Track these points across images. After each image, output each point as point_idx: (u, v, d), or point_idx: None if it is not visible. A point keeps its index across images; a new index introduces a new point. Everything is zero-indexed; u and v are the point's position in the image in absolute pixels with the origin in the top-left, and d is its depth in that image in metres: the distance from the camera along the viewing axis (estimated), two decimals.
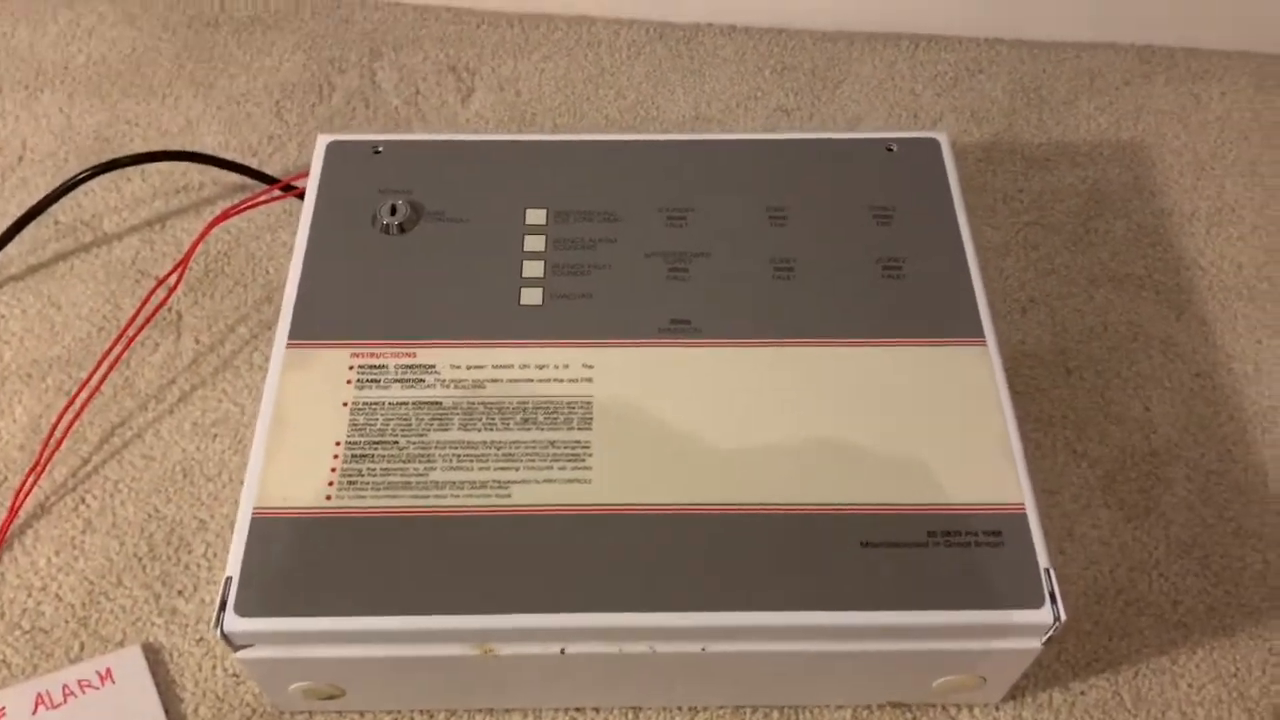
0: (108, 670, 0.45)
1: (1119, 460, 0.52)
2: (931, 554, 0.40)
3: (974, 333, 0.46)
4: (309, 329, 0.45)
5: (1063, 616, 0.39)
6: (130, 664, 0.45)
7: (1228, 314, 0.57)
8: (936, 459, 0.42)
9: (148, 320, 0.54)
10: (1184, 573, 0.49)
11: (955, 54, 0.69)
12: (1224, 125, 0.66)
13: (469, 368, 0.44)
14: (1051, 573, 0.40)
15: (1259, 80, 0.68)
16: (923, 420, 0.43)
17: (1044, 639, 0.40)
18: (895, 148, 0.52)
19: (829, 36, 0.70)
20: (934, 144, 0.52)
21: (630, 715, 0.45)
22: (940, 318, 0.46)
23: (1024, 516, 0.41)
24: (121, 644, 0.46)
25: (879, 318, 0.46)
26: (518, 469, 0.42)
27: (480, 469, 0.42)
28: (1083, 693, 0.46)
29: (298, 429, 0.42)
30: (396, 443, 0.42)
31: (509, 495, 0.41)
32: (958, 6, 0.70)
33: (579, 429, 0.43)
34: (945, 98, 0.67)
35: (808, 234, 0.49)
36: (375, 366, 0.44)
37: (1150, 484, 0.52)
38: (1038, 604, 0.39)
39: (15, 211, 0.59)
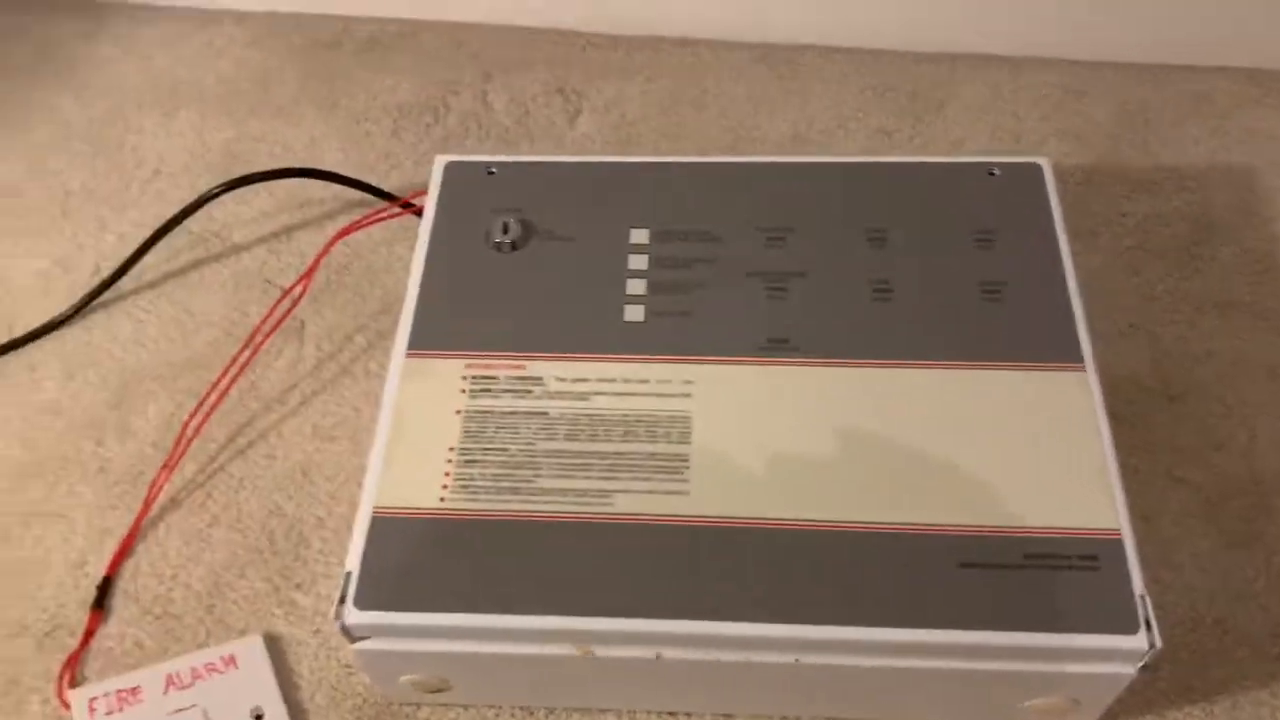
0: (231, 656, 0.48)
1: (1220, 488, 0.52)
2: (1028, 576, 0.41)
3: (1073, 358, 0.46)
4: (426, 340, 0.48)
5: (1158, 643, 0.39)
6: (252, 651, 0.48)
7: None
8: (1034, 483, 0.43)
9: (274, 328, 0.57)
10: None
11: (1059, 76, 0.69)
12: None
13: (574, 380, 0.46)
14: (1147, 599, 0.40)
15: None
16: (1021, 444, 0.44)
17: (1139, 665, 0.40)
18: (997, 171, 0.52)
19: (931, 58, 0.71)
20: (1036, 169, 0.52)
21: None
22: (1039, 343, 0.46)
23: (1120, 542, 0.41)
24: (244, 632, 0.49)
25: (978, 341, 0.47)
26: (619, 479, 0.44)
27: (584, 478, 0.44)
28: None
29: (415, 434, 0.45)
30: (506, 450, 0.44)
31: (611, 503, 0.43)
32: (1062, 28, 0.69)
33: (678, 442, 0.44)
34: (1049, 120, 0.67)
35: (907, 256, 0.49)
36: (487, 377, 0.46)
37: (1253, 513, 0.51)
38: (1133, 630, 0.39)
39: (152, 223, 0.63)
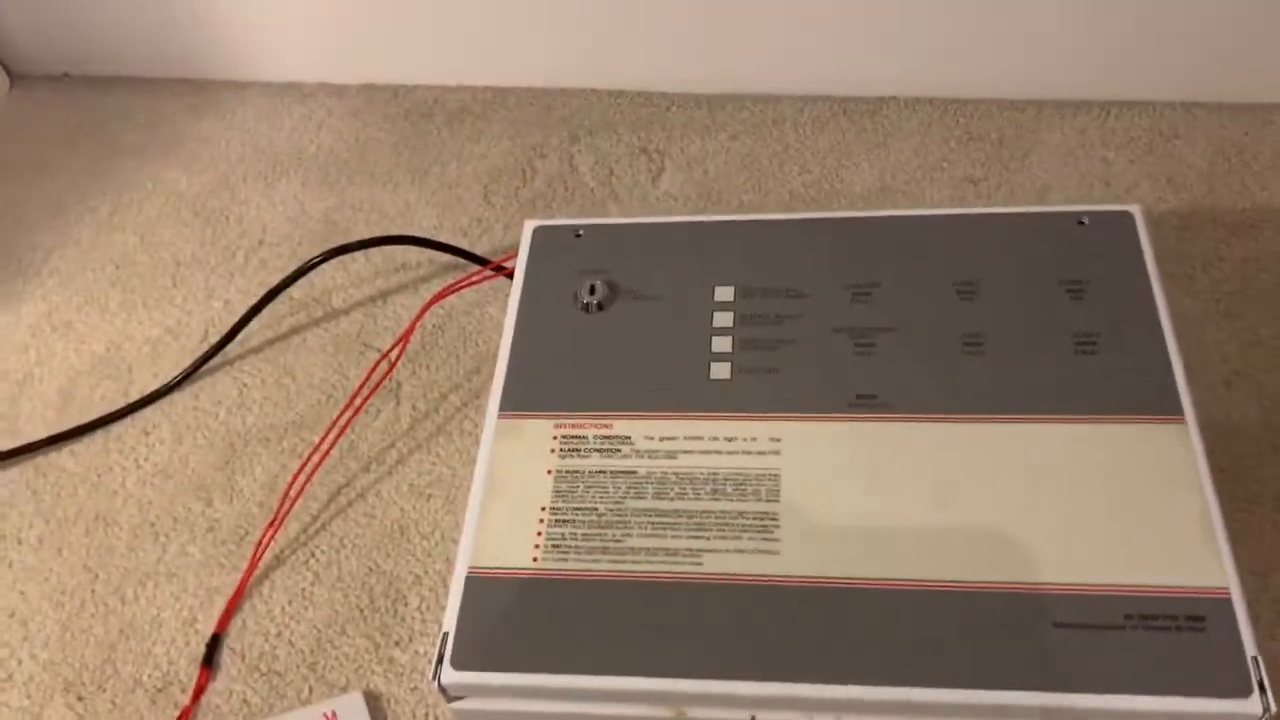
0: (333, 713, 0.49)
1: None
2: (1130, 636, 0.40)
3: (1172, 410, 0.45)
4: (518, 400, 0.49)
5: (1273, 707, 0.37)
6: (352, 708, 0.49)
7: None
8: (1134, 539, 0.42)
9: (373, 391, 0.59)
10: None
11: (1149, 119, 0.68)
12: None
13: (662, 439, 0.47)
14: (1260, 660, 0.38)
15: None
16: (1120, 499, 0.43)
17: None
18: (1087, 220, 0.51)
19: (1016, 105, 0.70)
20: (1128, 216, 0.51)
21: None
22: (1137, 394, 0.45)
23: (1228, 600, 0.40)
24: (345, 689, 0.50)
25: (1073, 394, 0.46)
26: (708, 538, 0.44)
27: (673, 537, 0.44)
28: None
29: (507, 494, 0.46)
30: (596, 509, 0.45)
31: (700, 563, 0.43)
32: (1151, 71, 0.68)
33: (767, 500, 0.45)
34: (1139, 164, 0.66)
35: (998, 309, 0.49)
36: (576, 437, 0.47)
37: None
38: (1245, 693, 0.38)
39: (257, 290, 0.65)
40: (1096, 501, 0.43)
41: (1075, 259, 0.50)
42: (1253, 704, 0.38)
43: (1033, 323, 0.48)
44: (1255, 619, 0.39)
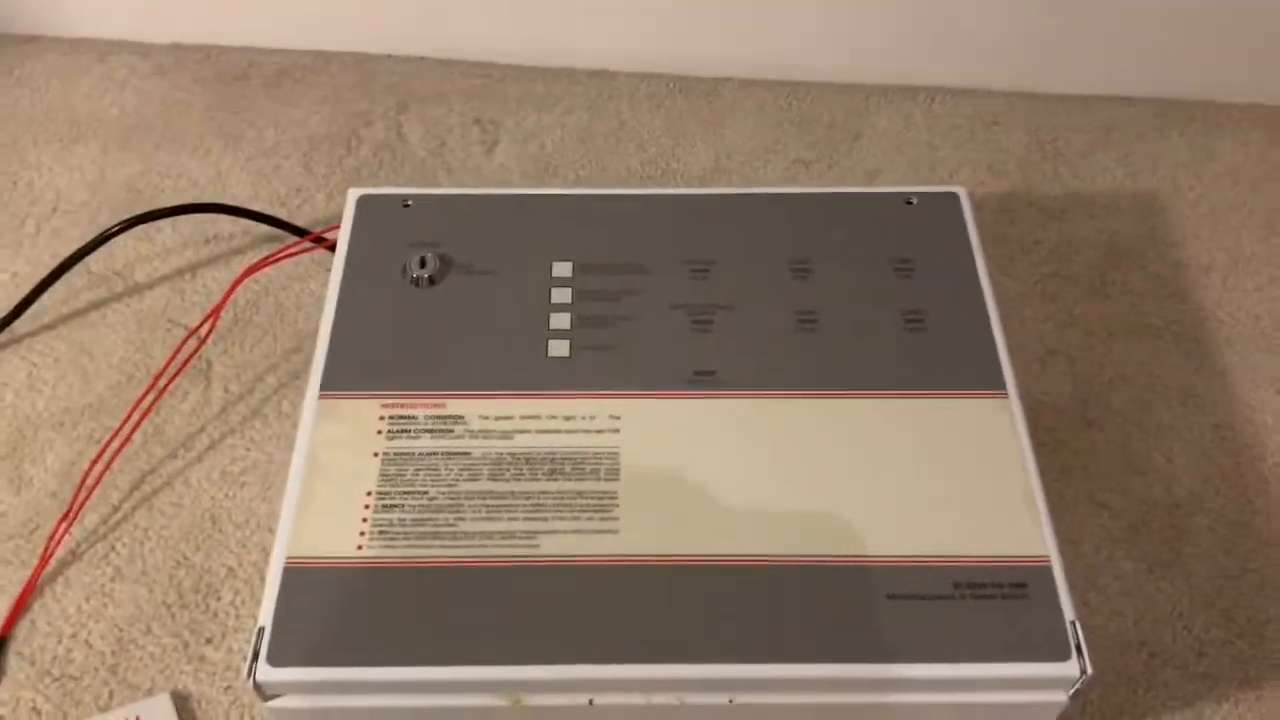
0: (137, 718, 0.45)
1: (1141, 511, 0.52)
2: (957, 606, 0.40)
3: (996, 385, 0.46)
4: (340, 380, 0.46)
5: (1089, 669, 0.39)
6: (159, 712, 0.45)
7: (1246, 365, 0.58)
8: (961, 511, 0.43)
9: (180, 370, 0.55)
10: (1208, 625, 0.49)
11: (972, 107, 0.70)
12: (1239, 177, 0.66)
13: (497, 419, 0.45)
14: (1077, 625, 0.40)
15: (1273, 133, 0.69)
16: (946, 472, 0.44)
17: (1070, 692, 0.40)
18: (915, 201, 0.52)
19: (847, 89, 0.71)
20: (954, 198, 0.52)
21: None
22: (962, 370, 0.47)
23: (1049, 569, 0.41)
24: (150, 691, 0.47)
25: (901, 370, 0.47)
26: (546, 519, 0.42)
27: (509, 519, 0.42)
28: None
29: (329, 479, 0.43)
30: (426, 493, 0.43)
31: (537, 545, 0.42)
32: (974, 60, 0.71)
33: (606, 480, 0.43)
34: (962, 150, 0.68)
35: (830, 286, 0.49)
36: (405, 417, 0.45)
37: (1172, 535, 0.52)
38: (1064, 656, 0.39)
39: (49, 262, 0.60)
40: (925, 475, 0.44)
41: (904, 238, 0.51)
42: (1071, 666, 0.39)
43: (863, 300, 0.49)
44: (1072, 586, 0.41)
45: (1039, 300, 0.60)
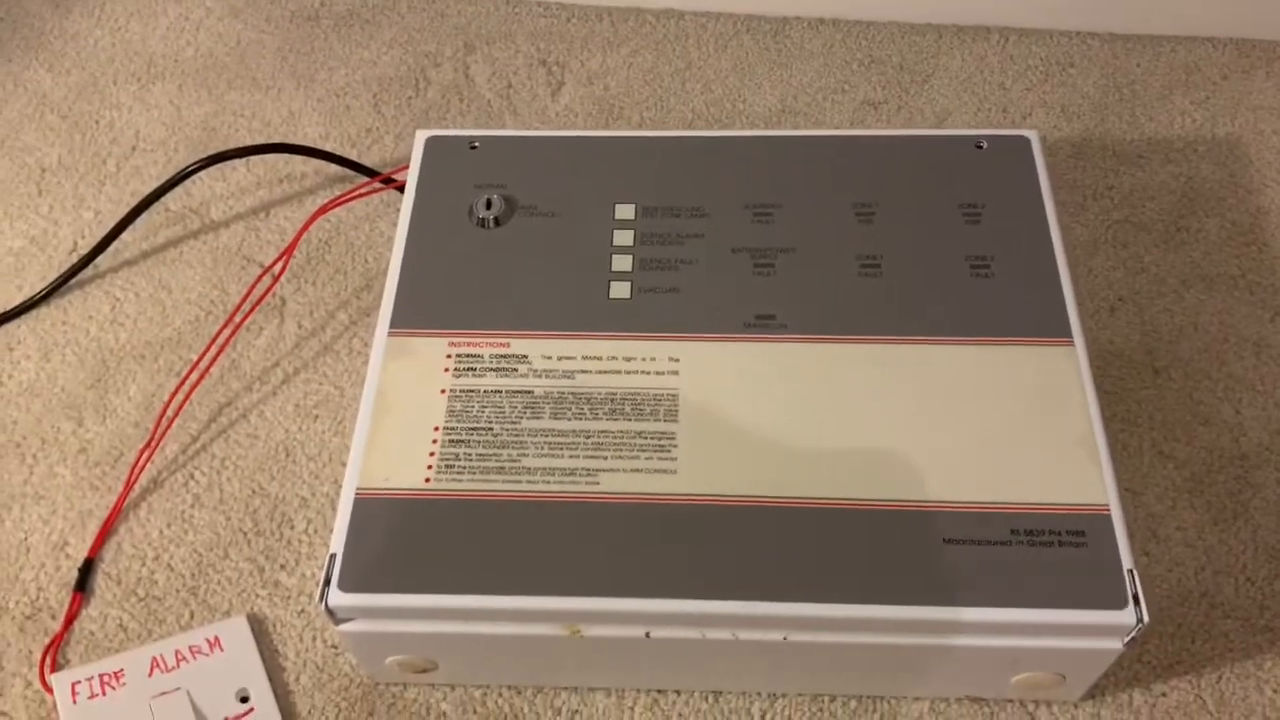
0: (216, 638, 0.47)
1: (1206, 462, 0.52)
2: (1014, 552, 0.41)
3: (1062, 333, 0.46)
4: (409, 318, 0.47)
5: (1145, 618, 0.39)
6: (237, 633, 0.48)
7: None
8: (1021, 458, 0.43)
9: (254, 306, 0.56)
10: (1271, 577, 0.49)
11: (1046, 48, 0.68)
12: None
13: (559, 358, 0.46)
14: (1135, 574, 0.40)
15: None
16: (1008, 419, 0.44)
17: (1126, 640, 0.40)
18: (985, 145, 0.52)
19: (917, 29, 0.70)
20: (1024, 142, 0.52)
21: (711, 699, 0.46)
22: (1028, 317, 0.46)
23: (1108, 517, 0.41)
24: (228, 614, 0.49)
25: (966, 316, 0.46)
26: (606, 458, 0.43)
27: (570, 456, 0.43)
28: (1164, 694, 0.46)
29: (398, 414, 0.44)
30: (491, 429, 0.44)
31: (597, 483, 0.43)
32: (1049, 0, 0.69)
33: (665, 420, 0.44)
34: (1035, 92, 0.66)
35: (895, 231, 0.49)
36: (471, 355, 0.46)
37: (1239, 487, 0.51)
38: (1120, 605, 0.39)
39: (130, 200, 0.62)
40: (987, 422, 0.44)
41: (972, 182, 0.50)
42: (1127, 615, 0.39)
43: (929, 245, 0.48)
44: (1132, 536, 0.41)
45: (1110, 247, 0.59)
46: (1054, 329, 0.46)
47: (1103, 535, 0.41)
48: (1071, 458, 0.43)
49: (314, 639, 0.48)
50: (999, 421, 0.44)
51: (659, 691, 0.46)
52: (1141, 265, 0.58)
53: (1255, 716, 0.45)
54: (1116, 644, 0.40)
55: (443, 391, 0.45)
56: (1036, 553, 0.40)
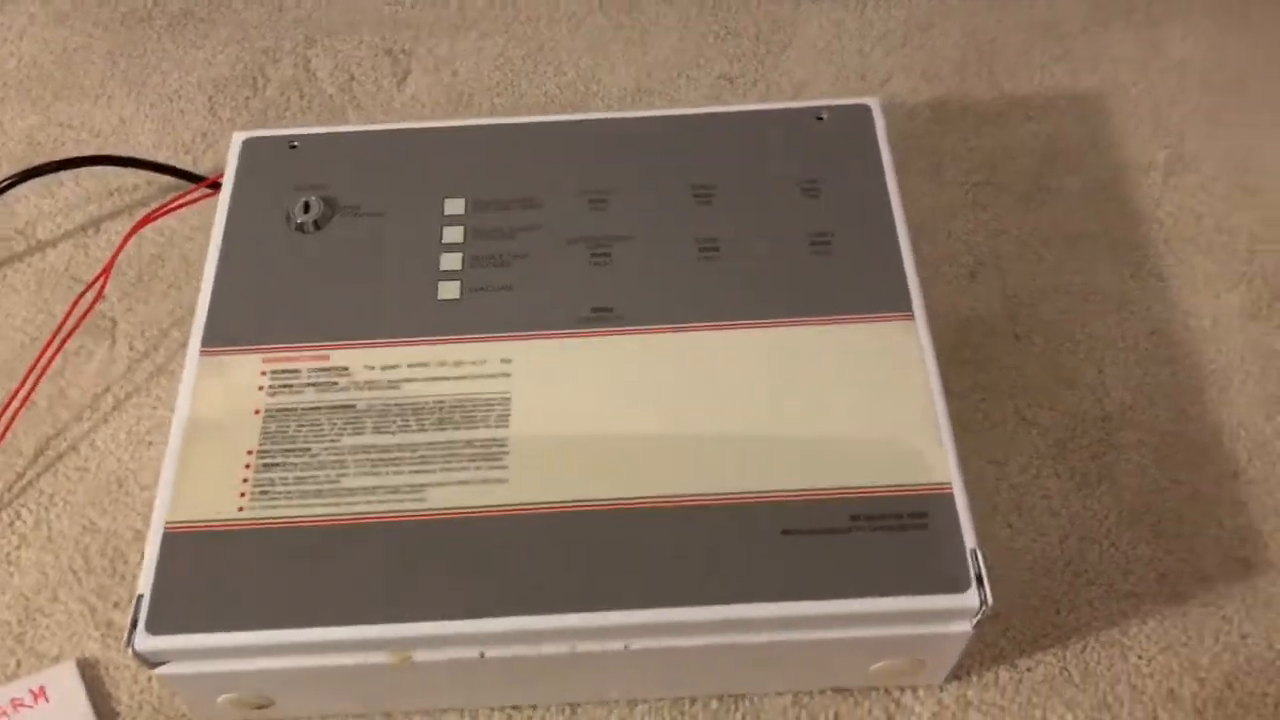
0: (41, 688, 0.45)
1: (1070, 427, 0.51)
2: (855, 540, 0.39)
3: (902, 307, 0.44)
4: (222, 334, 0.44)
5: (989, 600, 0.38)
6: (64, 680, 0.45)
7: (1185, 268, 0.56)
8: (862, 440, 0.41)
9: (77, 325, 0.53)
10: (1135, 541, 0.48)
11: (905, 10, 0.67)
12: (1184, 71, 0.63)
13: (383, 368, 0.43)
14: (979, 554, 0.39)
15: (1223, 21, 0.65)
16: (850, 400, 0.42)
17: (973, 622, 0.39)
18: (825, 116, 0.50)
19: None
20: (865, 110, 0.50)
21: (568, 711, 0.44)
22: (869, 293, 0.45)
23: (950, 496, 0.40)
24: (58, 659, 0.46)
25: (807, 296, 0.45)
26: (433, 471, 0.41)
27: (394, 473, 0.41)
28: (1029, 669, 0.45)
29: (209, 440, 0.42)
30: (309, 449, 0.42)
31: (424, 499, 0.40)
32: None
33: (496, 426, 0.42)
34: (895, 56, 0.65)
35: (734, 211, 0.47)
36: (288, 371, 0.43)
37: (1102, 450, 0.50)
38: (964, 588, 0.38)
39: None
40: (828, 405, 0.42)
41: (812, 156, 0.49)
42: (971, 597, 0.38)
43: (768, 224, 0.47)
44: (975, 513, 0.40)
45: (970, 210, 0.58)
46: (894, 304, 0.44)
47: (945, 516, 0.39)
48: (913, 437, 0.41)
49: (149, 680, 0.46)
50: (840, 403, 0.42)
51: (514, 708, 0.45)
52: (1002, 227, 0.57)
53: (1120, 685, 0.44)
54: (965, 627, 0.39)
55: (257, 412, 0.42)
56: (878, 538, 0.39)
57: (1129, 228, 0.57)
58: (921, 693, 0.44)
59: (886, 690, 0.44)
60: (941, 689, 0.44)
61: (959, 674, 0.45)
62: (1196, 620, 0.46)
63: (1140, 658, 0.45)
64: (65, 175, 0.61)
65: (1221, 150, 0.60)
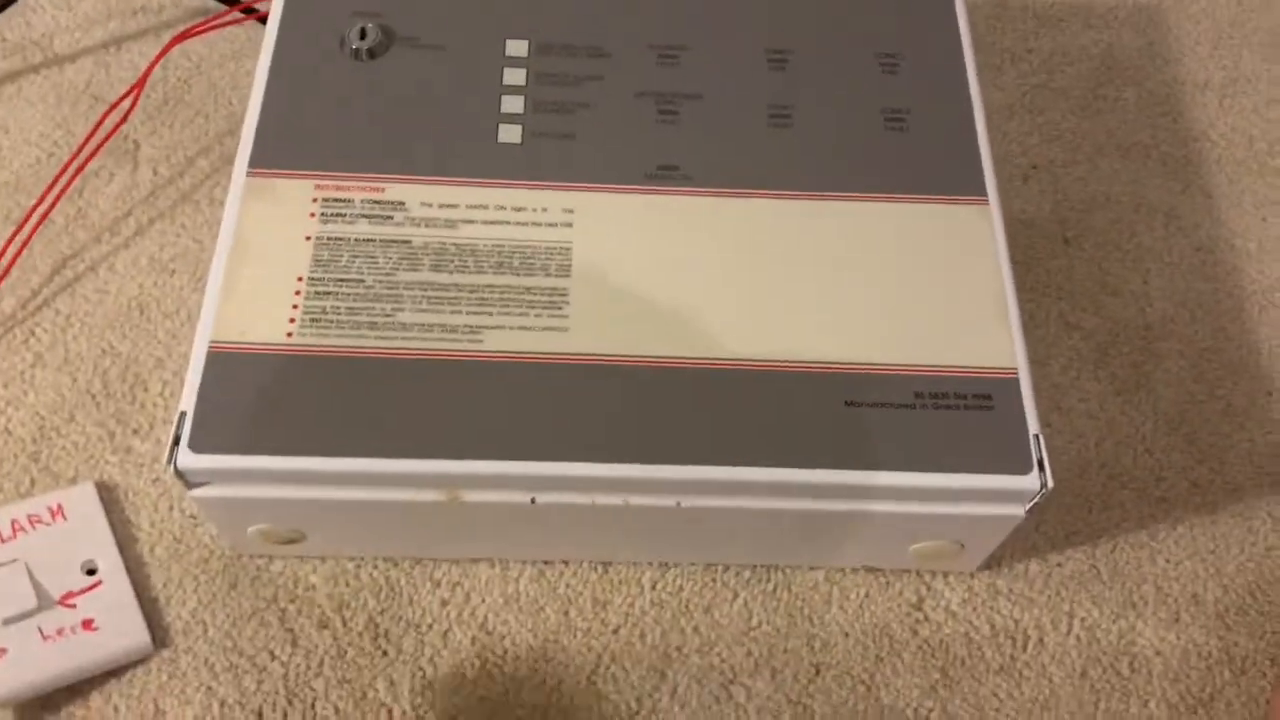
0: (59, 506, 0.43)
1: (1112, 333, 0.51)
2: (918, 415, 0.39)
3: (977, 191, 0.43)
4: (271, 157, 0.42)
5: (1049, 483, 0.38)
6: (83, 501, 0.43)
7: (1235, 189, 0.55)
8: (929, 319, 0.40)
9: (99, 146, 0.51)
10: (1169, 448, 0.48)
11: None
12: None
13: (441, 206, 0.42)
14: (1040, 439, 0.38)
15: None
16: (918, 279, 0.41)
17: (1028, 506, 0.39)
18: None
19: None
20: None
21: (600, 569, 0.44)
22: (943, 175, 0.44)
23: (1016, 381, 0.39)
24: (74, 481, 0.45)
25: (880, 172, 0.44)
26: (491, 314, 0.40)
27: (451, 312, 0.40)
28: (1060, 564, 0.45)
29: (257, 262, 0.40)
30: (363, 281, 0.40)
31: (481, 341, 0.39)
32: None
33: (556, 275, 0.41)
34: None
35: (809, 80, 0.46)
36: (341, 200, 0.42)
37: (1142, 358, 0.50)
38: (1025, 470, 0.38)
39: None
40: (896, 282, 0.41)
41: (891, 32, 0.47)
42: (1031, 480, 0.38)
43: (842, 96, 0.45)
44: (1038, 401, 0.39)
45: (1025, 113, 0.57)
46: (969, 188, 0.43)
47: (1010, 399, 0.39)
48: (981, 320, 0.41)
49: (170, 508, 0.44)
50: (908, 282, 0.41)
51: (545, 563, 0.44)
52: (1057, 132, 0.56)
53: (1147, 584, 0.45)
54: (1019, 510, 0.39)
55: (308, 238, 0.41)
56: (941, 416, 0.39)
57: (1182, 144, 0.57)
58: (952, 579, 0.45)
59: (919, 573, 0.45)
60: (973, 576, 0.45)
61: (991, 564, 0.45)
62: (1224, 530, 0.46)
63: (1168, 561, 0.45)
64: None
65: (1278, 74, 0.59)
